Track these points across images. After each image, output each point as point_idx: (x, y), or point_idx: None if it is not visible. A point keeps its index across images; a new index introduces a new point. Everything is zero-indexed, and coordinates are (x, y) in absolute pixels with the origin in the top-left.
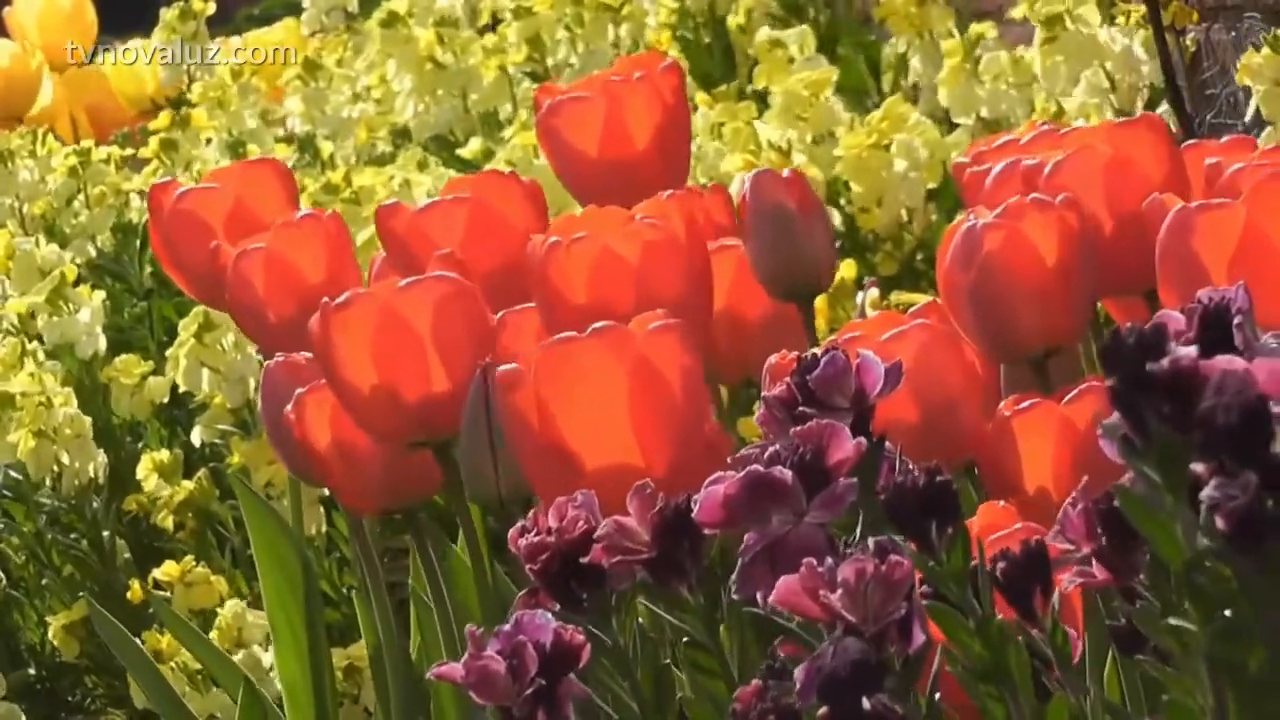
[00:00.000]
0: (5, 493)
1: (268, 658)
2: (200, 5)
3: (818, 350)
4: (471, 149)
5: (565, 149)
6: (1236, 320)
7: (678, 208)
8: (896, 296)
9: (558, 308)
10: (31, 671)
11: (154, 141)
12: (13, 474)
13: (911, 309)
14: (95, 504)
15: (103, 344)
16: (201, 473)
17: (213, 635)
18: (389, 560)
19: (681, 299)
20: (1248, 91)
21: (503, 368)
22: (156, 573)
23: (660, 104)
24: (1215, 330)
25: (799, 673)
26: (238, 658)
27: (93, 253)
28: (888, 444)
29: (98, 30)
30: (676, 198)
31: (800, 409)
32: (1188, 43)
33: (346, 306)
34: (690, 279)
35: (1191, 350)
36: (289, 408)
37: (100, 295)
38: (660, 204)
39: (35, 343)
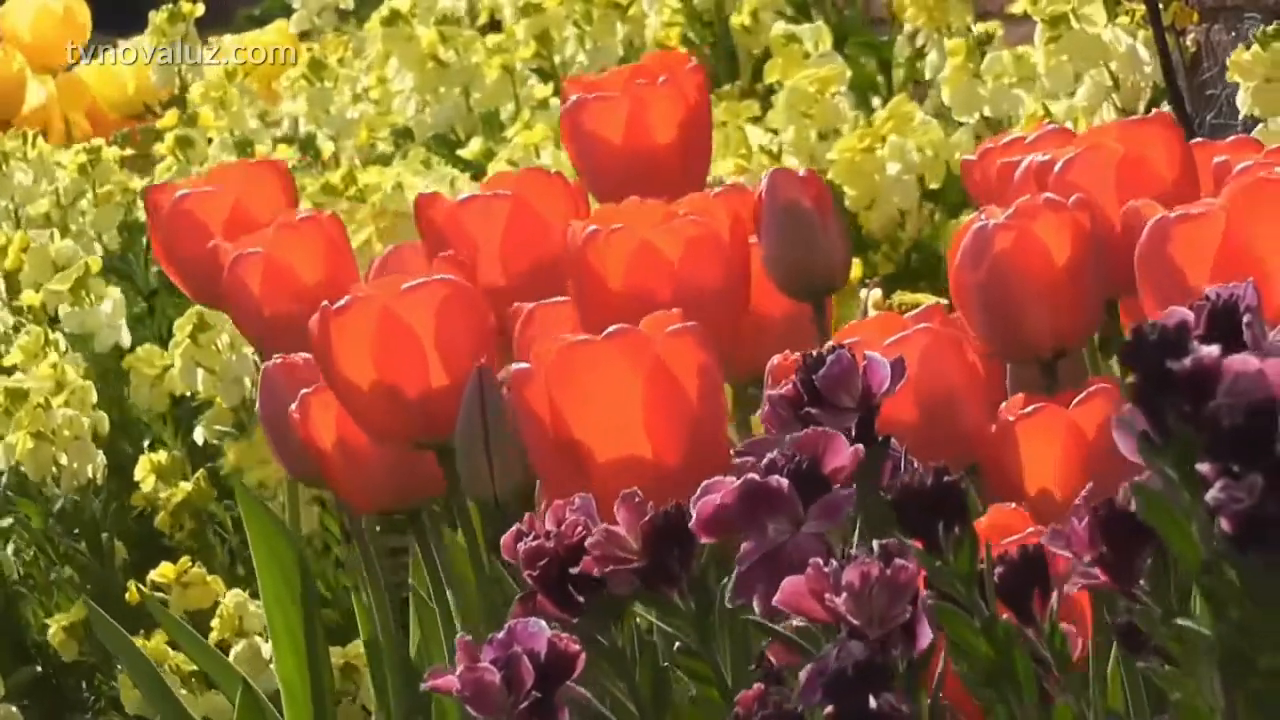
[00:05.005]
0: (8, 493)
1: (268, 648)
2: (189, 7)
3: (821, 350)
4: (472, 149)
5: (589, 142)
6: (1246, 318)
7: (723, 204)
8: (898, 297)
9: (595, 295)
10: (39, 669)
11: (170, 138)
12: (23, 469)
13: (912, 311)
14: (96, 504)
15: (126, 337)
16: (200, 473)
17: (214, 624)
18: (389, 559)
19: (720, 293)
20: None
21: (514, 366)
22: (153, 574)
23: (684, 103)
24: (1224, 327)
25: (803, 675)
26: (238, 648)
27: (98, 251)
28: (894, 443)
29: (92, 31)
30: (723, 195)
31: (806, 409)
32: (1188, 43)
33: (346, 310)
34: (730, 274)
35: (1214, 349)
36: (294, 407)
37: (115, 291)
38: (706, 200)
39: (57, 333)
